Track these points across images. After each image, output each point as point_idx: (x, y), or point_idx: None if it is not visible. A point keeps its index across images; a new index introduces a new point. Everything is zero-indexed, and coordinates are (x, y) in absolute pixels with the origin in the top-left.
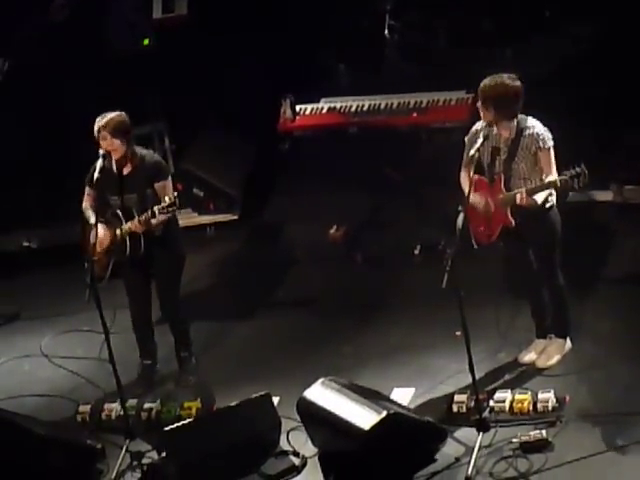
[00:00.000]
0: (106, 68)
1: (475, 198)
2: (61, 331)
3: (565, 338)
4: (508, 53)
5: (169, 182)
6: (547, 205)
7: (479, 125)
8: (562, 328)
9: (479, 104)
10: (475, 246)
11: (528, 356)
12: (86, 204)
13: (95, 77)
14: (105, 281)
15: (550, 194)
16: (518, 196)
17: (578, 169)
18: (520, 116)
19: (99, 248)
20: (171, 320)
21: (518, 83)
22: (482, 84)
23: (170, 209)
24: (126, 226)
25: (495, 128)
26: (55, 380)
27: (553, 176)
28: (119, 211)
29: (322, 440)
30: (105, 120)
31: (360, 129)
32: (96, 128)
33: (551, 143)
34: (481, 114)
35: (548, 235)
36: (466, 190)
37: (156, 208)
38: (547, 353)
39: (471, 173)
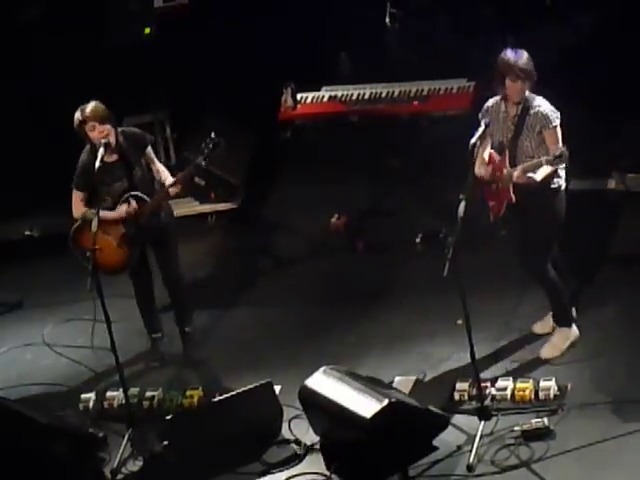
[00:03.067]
0: (107, 57)
1: (485, 172)
2: (63, 320)
3: (569, 326)
4: (509, 41)
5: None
6: (553, 186)
7: (491, 102)
8: (562, 317)
9: (517, 83)
10: (491, 219)
11: (541, 326)
12: (79, 209)
13: (96, 66)
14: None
15: (557, 175)
16: (515, 173)
17: (558, 151)
18: (529, 94)
19: (115, 239)
20: (176, 291)
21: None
22: (514, 62)
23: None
24: (154, 201)
25: (503, 106)
26: (57, 369)
27: (554, 153)
28: (134, 194)
29: (324, 428)
30: (89, 110)
31: (361, 117)
32: (80, 120)
33: (557, 122)
34: (513, 92)
35: (547, 219)
36: (475, 168)
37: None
38: (552, 344)
39: (479, 153)
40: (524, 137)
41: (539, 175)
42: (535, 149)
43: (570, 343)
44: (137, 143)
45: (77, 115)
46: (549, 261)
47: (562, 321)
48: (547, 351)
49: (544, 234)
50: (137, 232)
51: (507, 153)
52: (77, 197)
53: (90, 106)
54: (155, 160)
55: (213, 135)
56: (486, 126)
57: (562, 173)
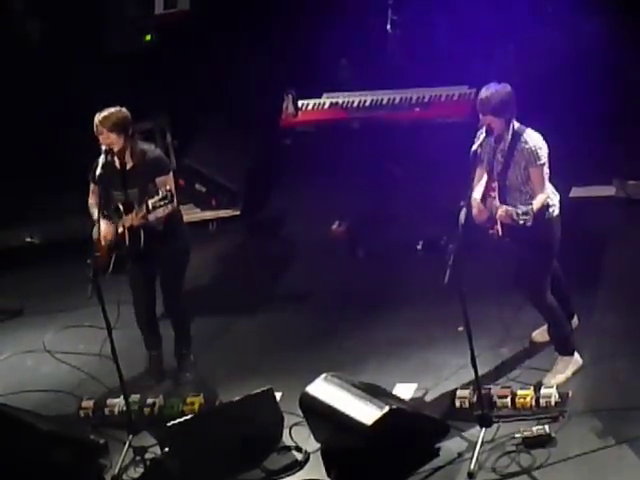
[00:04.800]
0: (108, 63)
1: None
2: (64, 326)
3: (571, 354)
4: (510, 49)
5: (170, 177)
6: (545, 217)
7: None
8: (563, 346)
9: (488, 118)
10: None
11: (541, 334)
12: (91, 201)
13: (97, 72)
14: (108, 274)
15: (549, 205)
16: (499, 212)
17: (524, 208)
18: (519, 127)
19: (103, 243)
20: (174, 315)
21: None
22: (485, 98)
23: (162, 203)
24: (125, 220)
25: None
26: (58, 375)
27: (521, 208)
28: (120, 205)
29: (324, 435)
30: (103, 115)
31: (362, 124)
32: (95, 123)
33: (543, 160)
34: (492, 127)
35: (539, 250)
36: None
37: (150, 202)
38: (554, 372)
39: (477, 169)
40: (512, 171)
41: (521, 220)
42: (523, 184)
43: (573, 371)
44: (150, 168)
45: (96, 115)
46: (547, 288)
47: (563, 350)
48: (551, 379)
49: (536, 263)
50: (120, 243)
51: (495, 183)
52: (90, 188)
53: (106, 112)
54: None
55: (166, 190)
56: (487, 134)
57: (555, 201)
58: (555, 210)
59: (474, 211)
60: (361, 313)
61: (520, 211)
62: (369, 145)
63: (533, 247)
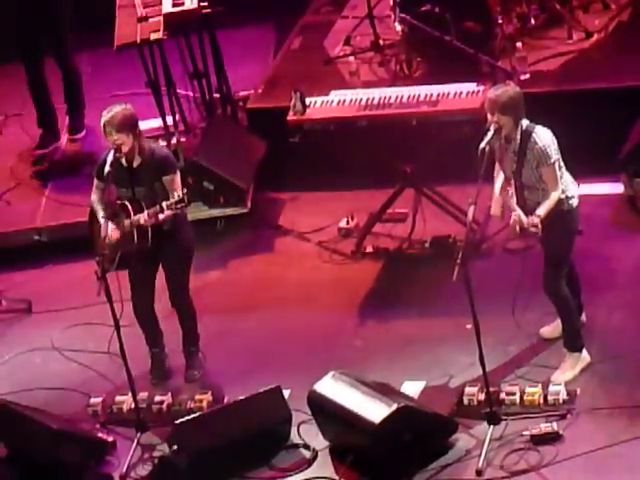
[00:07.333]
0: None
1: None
2: (72, 324)
3: (580, 351)
4: (519, 45)
5: (177, 176)
6: (565, 208)
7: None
8: (573, 342)
9: (496, 117)
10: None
11: (549, 331)
12: (94, 197)
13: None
14: (112, 269)
15: (569, 197)
16: (512, 215)
17: (536, 219)
18: (528, 125)
19: (108, 242)
20: (180, 312)
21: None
22: (495, 97)
23: (179, 205)
24: (135, 219)
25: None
26: (66, 373)
27: (533, 219)
28: (127, 203)
29: (333, 433)
30: (110, 115)
31: (370, 122)
32: (102, 123)
33: (554, 158)
34: (500, 126)
35: (559, 237)
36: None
37: (164, 204)
38: (563, 369)
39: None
40: (525, 170)
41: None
42: (537, 182)
43: (581, 368)
44: (157, 166)
45: (103, 115)
46: (563, 278)
47: (572, 346)
48: (559, 377)
49: (556, 251)
50: (127, 240)
51: (513, 183)
52: (95, 184)
53: (112, 112)
54: (171, 193)
55: (182, 192)
56: (495, 132)
57: (575, 192)
58: (574, 201)
59: (492, 208)
60: (369, 311)
61: (532, 222)
62: (376, 142)
63: (553, 237)
